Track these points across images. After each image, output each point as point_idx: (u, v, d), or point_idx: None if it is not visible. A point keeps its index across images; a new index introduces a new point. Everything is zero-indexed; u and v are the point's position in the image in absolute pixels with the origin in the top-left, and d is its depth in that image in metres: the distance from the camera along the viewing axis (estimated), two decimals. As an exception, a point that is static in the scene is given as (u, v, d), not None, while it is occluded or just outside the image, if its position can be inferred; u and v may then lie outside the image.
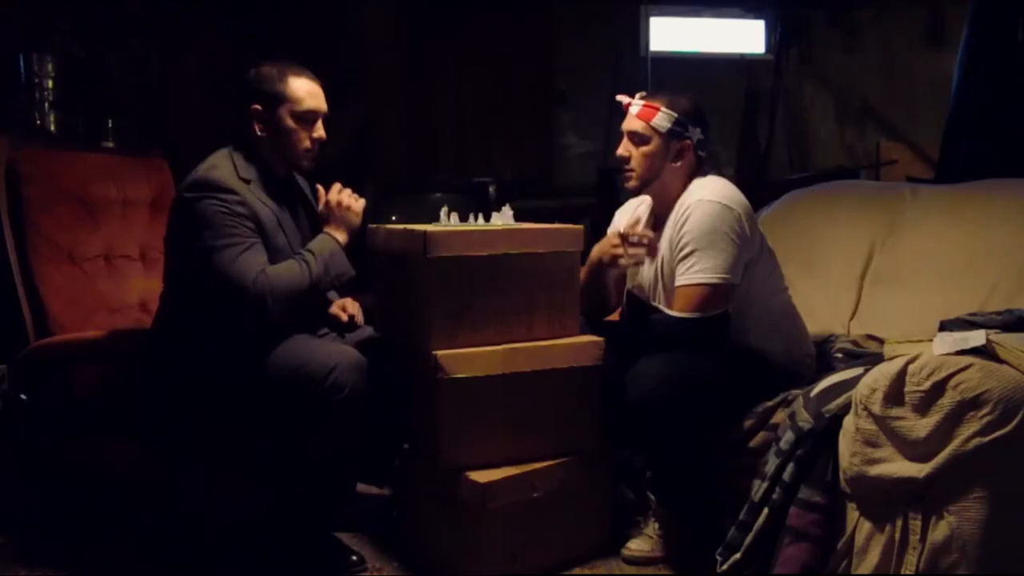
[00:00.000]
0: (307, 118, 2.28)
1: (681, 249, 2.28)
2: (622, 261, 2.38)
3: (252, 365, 2.16)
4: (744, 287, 2.31)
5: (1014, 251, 2.60)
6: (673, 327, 2.28)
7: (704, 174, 2.40)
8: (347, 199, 2.29)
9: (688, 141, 2.36)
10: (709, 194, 2.30)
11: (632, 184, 2.40)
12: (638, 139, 2.37)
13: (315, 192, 2.38)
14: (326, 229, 2.28)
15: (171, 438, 2.32)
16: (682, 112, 2.35)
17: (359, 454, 2.26)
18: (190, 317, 2.24)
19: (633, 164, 2.38)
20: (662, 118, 2.34)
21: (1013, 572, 1.84)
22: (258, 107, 2.26)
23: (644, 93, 2.41)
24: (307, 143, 2.29)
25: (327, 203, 2.30)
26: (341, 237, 2.28)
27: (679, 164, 2.37)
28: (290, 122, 2.26)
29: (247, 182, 2.23)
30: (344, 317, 2.44)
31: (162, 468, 2.34)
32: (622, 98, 2.42)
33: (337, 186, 2.32)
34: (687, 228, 2.27)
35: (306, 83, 2.28)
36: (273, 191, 2.29)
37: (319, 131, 2.30)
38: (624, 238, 2.36)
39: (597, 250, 2.45)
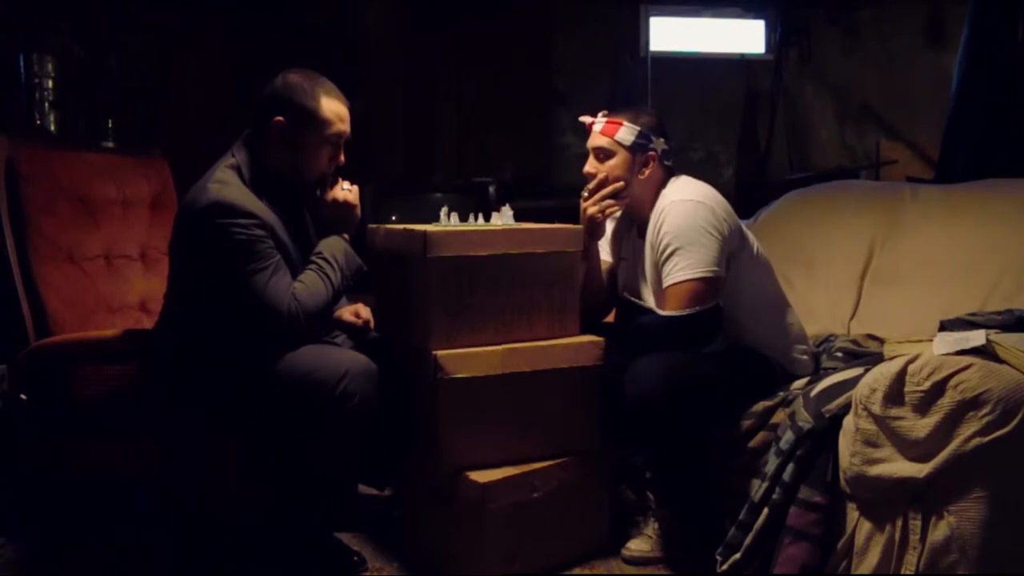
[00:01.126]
0: (332, 141, 2.22)
1: (663, 251, 2.30)
2: (598, 216, 2.42)
3: (260, 368, 2.15)
4: (732, 280, 2.33)
5: (1014, 251, 2.60)
6: (667, 327, 2.29)
7: (671, 178, 2.44)
8: (343, 194, 2.27)
9: (653, 153, 2.40)
10: (681, 194, 2.35)
11: (606, 191, 2.42)
12: (603, 154, 2.42)
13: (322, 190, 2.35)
14: (330, 229, 2.27)
15: (172, 438, 2.32)
16: (644, 125, 2.40)
17: (361, 458, 2.25)
18: (195, 319, 2.23)
19: (600, 180, 2.41)
20: (625, 132, 2.39)
21: (1013, 572, 1.84)
22: (281, 119, 2.18)
23: (606, 111, 2.45)
24: (325, 166, 2.24)
25: (331, 202, 2.27)
26: (346, 234, 2.28)
27: (646, 176, 2.40)
28: (314, 143, 2.20)
29: (258, 196, 2.18)
30: (360, 323, 2.43)
31: (162, 468, 2.34)
32: (585, 118, 2.47)
33: (339, 183, 2.29)
34: (665, 229, 2.30)
35: (336, 104, 2.21)
36: (279, 200, 2.25)
37: (340, 157, 2.25)
38: (592, 193, 2.43)
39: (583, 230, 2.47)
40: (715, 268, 2.27)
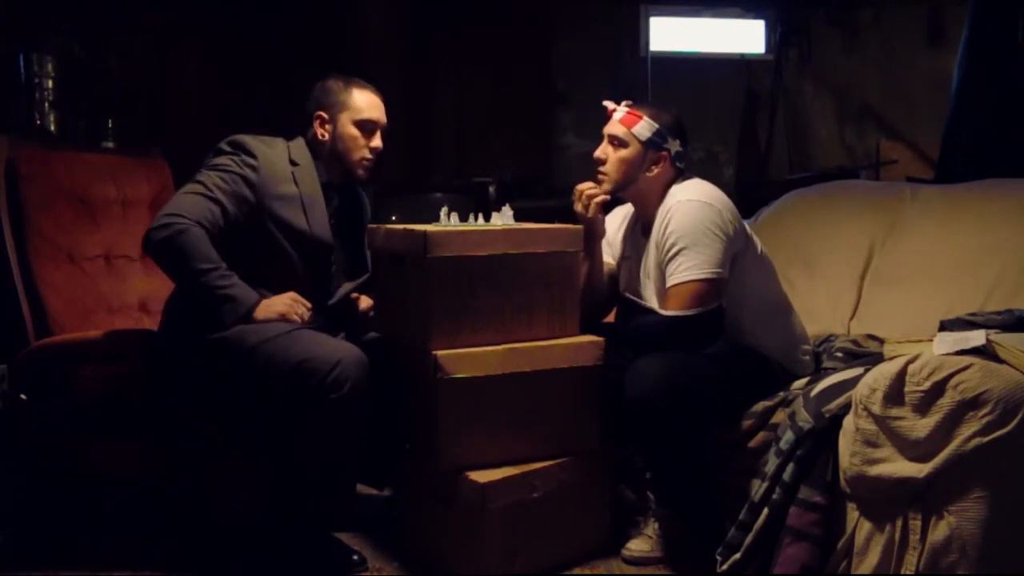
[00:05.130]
0: (366, 127, 2.41)
1: (668, 250, 2.30)
2: (583, 212, 2.42)
3: (255, 357, 2.15)
4: (736, 281, 2.33)
5: (1014, 251, 2.60)
6: (669, 327, 2.29)
7: (680, 178, 2.43)
8: (299, 308, 2.25)
9: (665, 153, 2.40)
10: (689, 195, 2.34)
11: (604, 188, 2.43)
12: (617, 143, 2.41)
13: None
14: (271, 300, 2.24)
15: (172, 438, 2.32)
16: (663, 124, 2.40)
17: (360, 454, 2.25)
18: (197, 314, 2.23)
19: (607, 168, 2.42)
20: (643, 127, 2.38)
21: (1013, 572, 1.84)
22: (323, 114, 2.42)
23: (630, 102, 2.45)
24: (365, 151, 2.41)
25: (290, 297, 2.27)
26: (261, 312, 2.21)
27: (653, 174, 2.40)
28: (351, 128, 2.40)
29: (295, 164, 2.36)
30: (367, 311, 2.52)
31: (163, 467, 2.34)
32: (608, 103, 2.47)
33: (295, 301, 2.28)
34: (671, 229, 2.30)
35: (368, 95, 2.43)
36: (322, 186, 2.40)
37: (377, 141, 2.42)
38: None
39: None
40: (718, 270, 2.27)
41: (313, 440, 2.15)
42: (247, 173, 2.28)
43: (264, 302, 2.23)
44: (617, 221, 2.60)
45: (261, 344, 2.15)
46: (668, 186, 2.41)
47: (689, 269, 2.26)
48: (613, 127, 2.43)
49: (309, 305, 2.28)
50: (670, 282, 2.30)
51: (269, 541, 2.30)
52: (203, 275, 2.17)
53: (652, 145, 2.39)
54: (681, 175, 2.44)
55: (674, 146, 2.41)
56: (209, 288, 2.18)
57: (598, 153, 2.44)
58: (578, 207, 2.44)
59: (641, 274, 2.46)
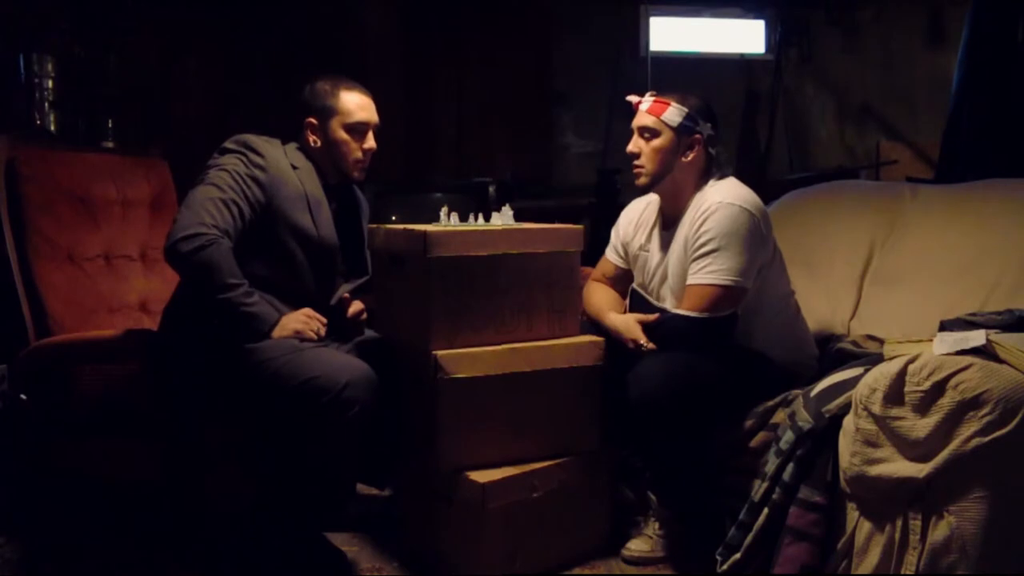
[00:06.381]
0: (357, 129, 2.39)
1: (698, 248, 2.27)
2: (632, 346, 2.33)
3: (261, 370, 2.14)
4: (756, 291, 2.31)
5: (1014, 251, 2.60)
6: (680, 326, 2.27)
7: (716, 174, 2.39)
8: (314, 324, 2.24)
9: (698, 136, 2.35)
10: (731, 197, 2.29)
11: (642, 181, 2.38)
12: (649, 134, 2.36)
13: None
14: (286, 318, 2.23)
15: (172, 438, 2.32)
16: (692, 108, 2.35)
17: (360, 458, 2.25)
18: (199, 318, 2.23)
19: (643, 160, 2.36)
20: (673, 113, 2.34)
21: (1013, 572, 1.84)
22: (313, 120, 2.39)
23: (654, 92, 2.41)
24: (358, 153, 2.40)
25: (304, 314, 2.25)
26: (277, 331, 2.20)
27: (689, 159, 2.36)
28: (342, 133, 2.38)
29: (295, 167, 2.34)
30: (358, 313, 2.46)
31: (162, 468, 2.34)
32: (632, 97, 2.42)
33: (310, 318, 2.27)
34: (707, 227, 2.26)
35: (357, 96, 2.40)
36: (321, 187, 2.38)
37: (369, 142, 2.41)
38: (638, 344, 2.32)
39: (621, 325, 2.38)
40: (741, 279, 2.25)
41: (317, 453, 2.14)
42: (256, 173, 2.26)
43: (281, 321, 2.21)
44: (635, 214, 2.56)
45: (270, 359, 2.14)
46: (702, 176, 2.38)
47: (713, 272, 2.24)
48: (642, 119, 2.37)
49: (324, 320, 2.27)
50: (690, 280, 2.27)
51: (259, 541, 2.29)
52: (229, 290, 2.15)
53: (684, 130, 2.34)
54: (712, 166, 2.39)
55: (706, 129, 2.36)
56: (233, 304, 2.16)
57: (631, 148, 2.38)
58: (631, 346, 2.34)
59: (658, 269, 2.44)
